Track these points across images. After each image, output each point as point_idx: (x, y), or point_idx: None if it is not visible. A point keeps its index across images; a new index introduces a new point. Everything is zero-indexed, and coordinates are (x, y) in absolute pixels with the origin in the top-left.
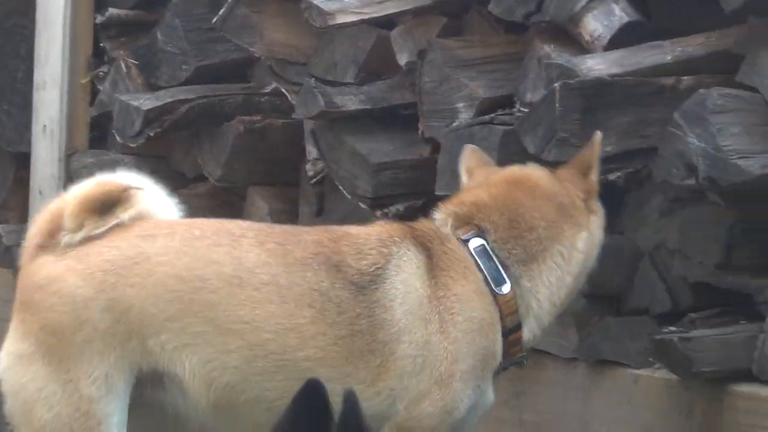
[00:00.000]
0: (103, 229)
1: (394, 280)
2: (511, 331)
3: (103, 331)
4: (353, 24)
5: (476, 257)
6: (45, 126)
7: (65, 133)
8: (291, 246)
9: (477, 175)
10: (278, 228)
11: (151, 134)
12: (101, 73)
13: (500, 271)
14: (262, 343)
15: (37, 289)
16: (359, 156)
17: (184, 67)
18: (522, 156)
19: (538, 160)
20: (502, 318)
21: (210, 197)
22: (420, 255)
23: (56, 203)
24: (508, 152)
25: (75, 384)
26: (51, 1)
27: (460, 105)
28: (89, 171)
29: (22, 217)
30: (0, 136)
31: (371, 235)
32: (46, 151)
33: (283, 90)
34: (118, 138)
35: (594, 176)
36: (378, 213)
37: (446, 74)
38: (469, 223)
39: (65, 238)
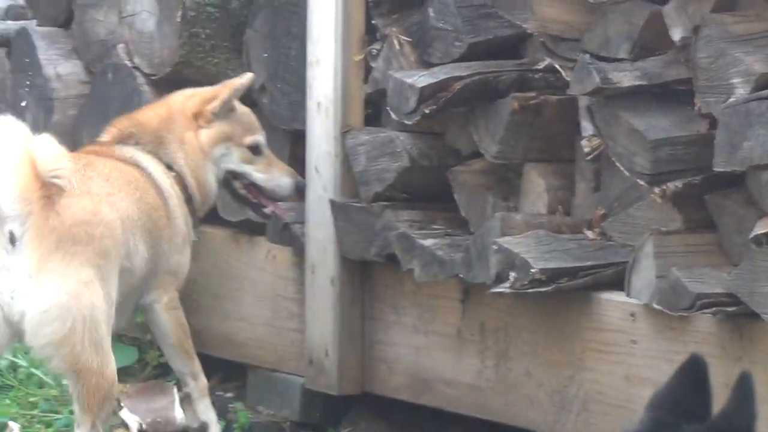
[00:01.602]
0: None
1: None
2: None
3: (122, 243)
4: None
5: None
6: (319, 103)
7: (340, 111)
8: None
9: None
10: None
11: (426, 111)
12: (374, 51)
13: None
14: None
15: (82, 224)
16: (636, 132)
17: (457, 43)
18: None
19: None
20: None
21: (486, 174)
22: None
23: (18, 170)
24: None
25: (110, 295)
26: None
27: (736, 80)
28: (365, 148)
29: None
30: (274, 114)
31: None
32: (321, 128)
33: (557, 66)
34: (392, 115)
35: (211, 106)
36: (656, 189)
37: (721, 49)
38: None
39: (63, 181)
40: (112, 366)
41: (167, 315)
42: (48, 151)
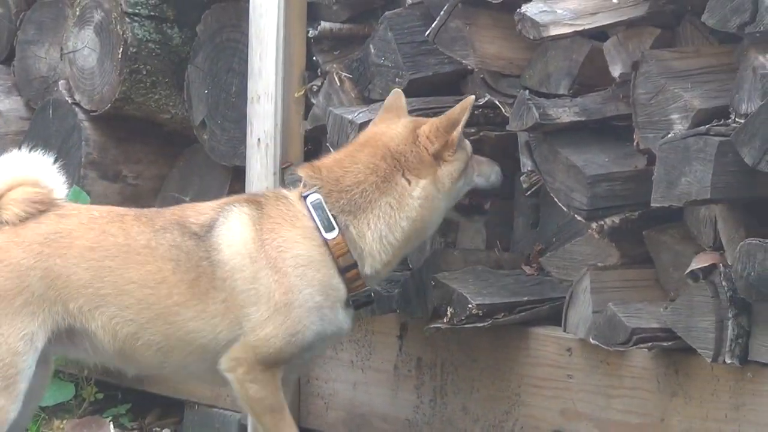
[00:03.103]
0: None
1: (221, 228)
2: (347, 269)
3: (38, 296)
4: (566, 36)
5: (311, 209)
6: (259, 139)
7: (280, 147)
8: (156, 219)
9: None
10: (149, 209)
11: None
12: (315, 87)
13: (330, 220)
14: (145, 297)
15: None
16: (574, 168)
17: (397, 80)
18: (739, 167)
19: (755, 171)
20: (334, 258)
21: None
22: (247, 210)
23: None
24: (725, 162)
25: (5, 338)
26: (264, 15)
27: (675, 116)
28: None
29: None
30: (214, 150)
31: (212, 203)
32: (260, 164)
33: (497, 102)
34: (331, 151)
35: (456, 132)
36: (594, 225)
37: (661, 85)
38: (308, 183)
39: (5, 218)
40: None
41: (239, 387)
42: (14, 192)
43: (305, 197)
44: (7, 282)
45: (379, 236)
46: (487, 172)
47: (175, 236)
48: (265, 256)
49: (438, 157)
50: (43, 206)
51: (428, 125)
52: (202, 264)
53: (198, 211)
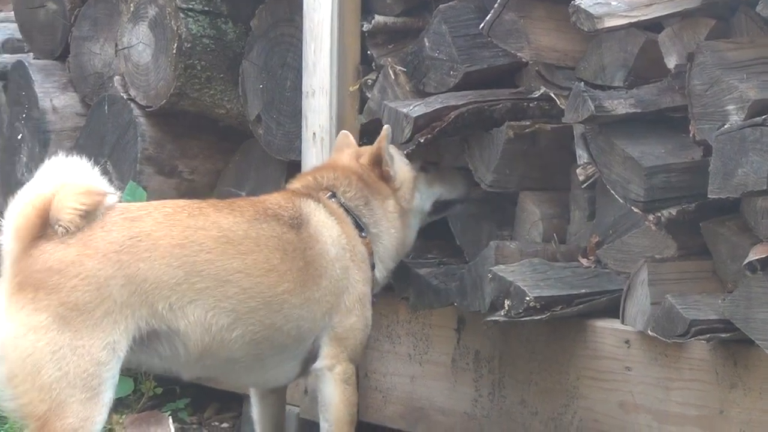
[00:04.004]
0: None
1: (313, 221)
2: (372, 268)
3: (120, 304)
4: (621, 27)
5: (345, 209)
6: (314, 134)
7: (335, 141)
8: (237, 210)
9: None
10: (210, 201)
11: (421, 140)
12: (369, 81)
13: (358, 220)
14: (254, 285)
15: (53, 273)
16: (631, 160)
17: (452, 73)
18: None
19: None
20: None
21: (481, 203)
22: (319, 204)
23: (36, 198)
24: None
25: (88, 349)
26: (318, 10)
27: (731, 107)
28: None
29: None
30: (270, 144)
31: (276, 197)
32: (316, 158)
33: (552, 95)
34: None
35: (384, 165)
36: (651, 217)
37: (716, 76)
38: (325, 187)
39: (61, 229)
40: (70, 420)
41: (335, 388)
42: (67, 198)
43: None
44: (85, 295)
45: (387, 240)
46: (450, 183)
47: (273, 226)
48: (350, 248)
49: (389, 185)
50: (97, 210)
51: (363, 158)
52: (307, 254)
53: (277, 204)
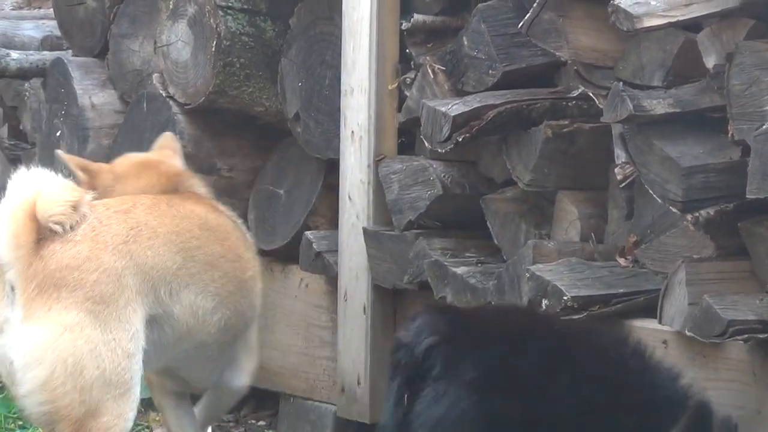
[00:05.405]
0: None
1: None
2: None
3: (135, 292)
4: (660, 27)
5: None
6: (353, 132)
7: (373, 139)
8: (201, 202)
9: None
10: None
11: (460, 139)
12: (408, 79)
13: None
14: (231, 270)
15: (71, 270)
16: (669, 160)
17: (491, 72)
18: None
19: None
20: None
21: (519, 202)
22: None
23: (22, 203)
24: None
25: (118, 342)
26: (357, 8)
27: None
28: (398, 177)
29: (332, 223)
30: (308, 143)
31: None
32: (354, 157)
33: (591, 94)
34: (426, 143)
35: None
36: (689, 217)
37: (755, 76)
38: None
39: (56, 225)
40: (105, 419)
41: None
42: (51, 197)
43: None
44: (108, 287)
45: None
46: None
47: (225, 219)
48: None
49: None
50: (82, 204)
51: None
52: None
53: (213, 205)
